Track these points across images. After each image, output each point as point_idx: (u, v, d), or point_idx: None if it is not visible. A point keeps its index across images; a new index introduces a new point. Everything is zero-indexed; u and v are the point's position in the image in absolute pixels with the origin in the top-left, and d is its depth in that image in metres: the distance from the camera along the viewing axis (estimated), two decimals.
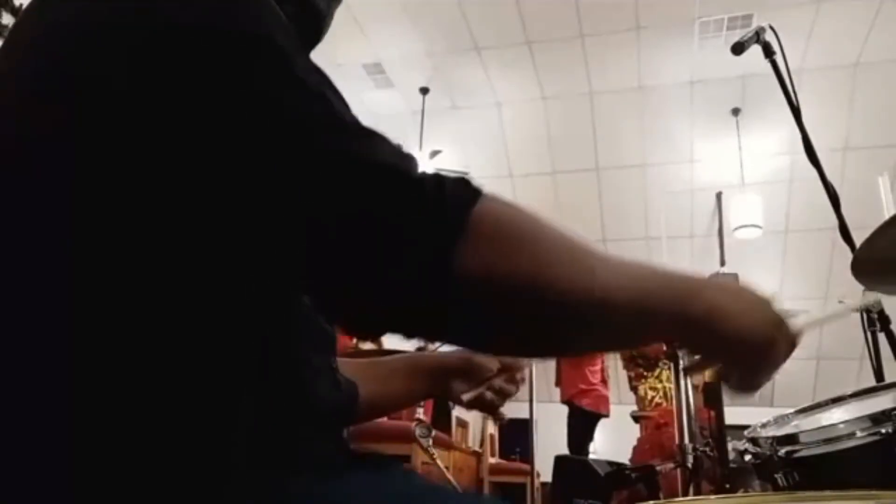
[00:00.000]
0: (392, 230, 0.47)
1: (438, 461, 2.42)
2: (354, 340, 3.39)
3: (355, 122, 0.51)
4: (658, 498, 2.37)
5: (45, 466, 0.46)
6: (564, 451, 5.21)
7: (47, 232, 0.49)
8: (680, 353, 1.87)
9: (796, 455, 1.10)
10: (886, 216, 1.26)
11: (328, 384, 0.71)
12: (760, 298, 0.59)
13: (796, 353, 0.62)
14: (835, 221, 1.77)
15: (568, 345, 0.59)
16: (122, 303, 0.48)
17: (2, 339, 0.48)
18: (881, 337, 1.73)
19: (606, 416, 5.57)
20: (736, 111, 6.53)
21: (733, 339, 0.55)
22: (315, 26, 0.72)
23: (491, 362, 0.94)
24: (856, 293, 1.72)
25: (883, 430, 0.99)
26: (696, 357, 0.62)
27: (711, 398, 2.52)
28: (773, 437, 1.15)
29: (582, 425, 5.49)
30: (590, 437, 5.57)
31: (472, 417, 7.85)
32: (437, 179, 0.50)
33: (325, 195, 0.47)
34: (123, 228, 0.48)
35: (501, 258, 0.49)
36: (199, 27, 0.49)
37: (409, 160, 0.51)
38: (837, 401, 1.25)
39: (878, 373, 1.81)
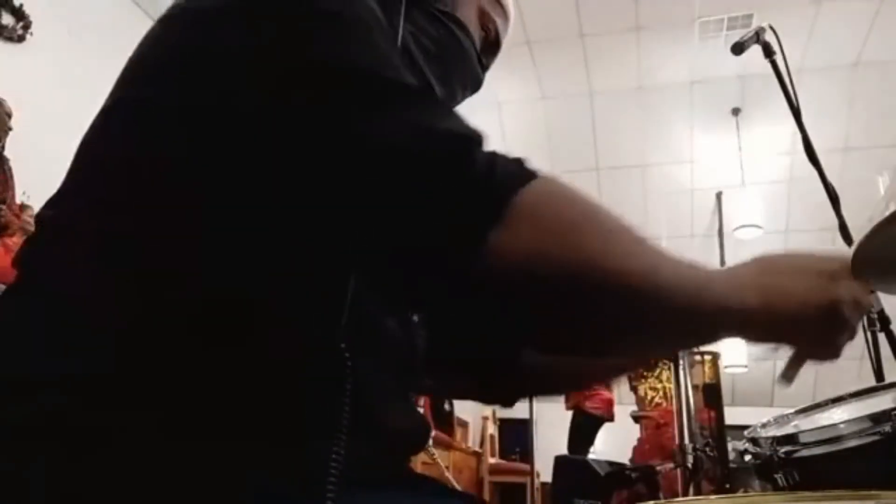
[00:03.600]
0: (435, 204, 0.47)
1: (439, 461, 2.42)
2: None
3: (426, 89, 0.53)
4: (658, 498, 2.37)
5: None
6: (564, 451, 5.20)
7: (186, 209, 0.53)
8: (680, 354, 1.86)
9: (796, 455, 1.10)
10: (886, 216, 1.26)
11: (398, 410, 0.64)
12: (805, 262, 0.57)
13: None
14: (835, 221, 1.77)
15: (615, 342, 0.56)
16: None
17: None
18: (881, 337, 1.72)
19: (611, 420, 5.56)
20: (736, 111, 6.52)
21: (798, 316, 0.53)
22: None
23: None
24: None
25: (883, 430, 0.98)
26: (789, 358, 0.61)
27: (711, 398, 2.52)
28: (773, 437, 1.15)
29: (586, 429, 5.47)
30: (591, 442, 5.55)
31: (472, 417, 7.83)
32: (491, 158, 0.50)
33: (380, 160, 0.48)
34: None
35: (546, 243, 0.48)
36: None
37: (470, 136, 0.51)
38: (837, 401, 1.25)
39: (878, 373, 1.80)
